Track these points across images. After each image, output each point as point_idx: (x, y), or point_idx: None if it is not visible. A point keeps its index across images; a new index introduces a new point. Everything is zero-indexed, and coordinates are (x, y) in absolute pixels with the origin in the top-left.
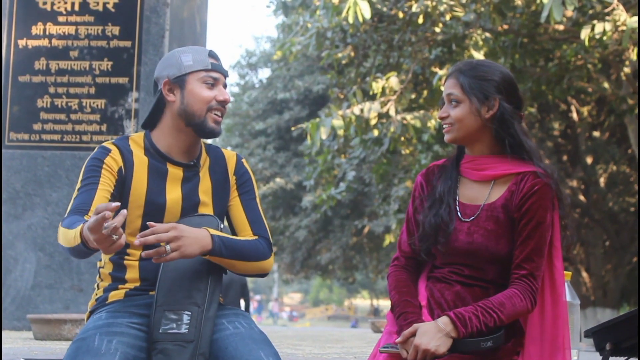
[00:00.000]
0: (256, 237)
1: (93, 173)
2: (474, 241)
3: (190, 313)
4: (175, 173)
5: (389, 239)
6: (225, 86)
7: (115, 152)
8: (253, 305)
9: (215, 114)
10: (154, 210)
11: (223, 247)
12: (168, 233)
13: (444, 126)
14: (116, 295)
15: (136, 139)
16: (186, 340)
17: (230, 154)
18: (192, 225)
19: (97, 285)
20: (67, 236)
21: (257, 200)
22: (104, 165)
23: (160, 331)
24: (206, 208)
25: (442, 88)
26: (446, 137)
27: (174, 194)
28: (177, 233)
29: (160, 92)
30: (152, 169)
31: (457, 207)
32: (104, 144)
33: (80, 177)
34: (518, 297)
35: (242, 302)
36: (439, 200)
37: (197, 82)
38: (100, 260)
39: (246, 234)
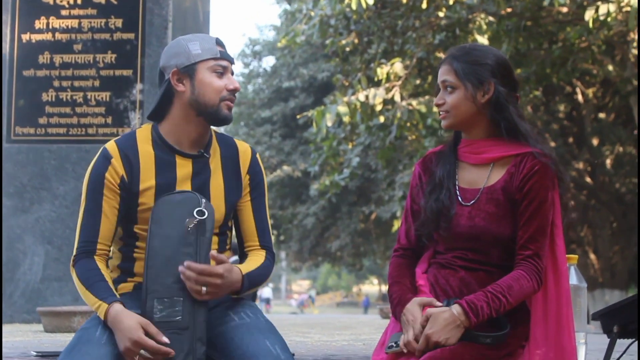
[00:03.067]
0: (263, 253)
1: (95, 194)
2: (476, 224)
3: (181, 299)
4: (184, 165)
5: (397, 224)
6: (232, 73)
7: (116, 160)
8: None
9: (227, 103)
10: None
11: (249, 285)
12: (212, 279)
13: (440, 113)
14: (125, 287)
15: (143, 132)
16: (181, 327)
17: (244, 148)
18: (172, 204)
19: None
20: (87, 297)
21: (266, 201)
22: (106, 182)
23: (155, 320)
24: (216, 205)
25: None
26: (443, 124)
27: (183, 187)
28: (220, 281)
29: (167, 82)
30: (159, 164)
31: (457, 192)
32: (106, 147)
33: (84, 193)
34: (525, 278)
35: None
36: (439, 185)
37: (207, 71)
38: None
39: (252, 245)
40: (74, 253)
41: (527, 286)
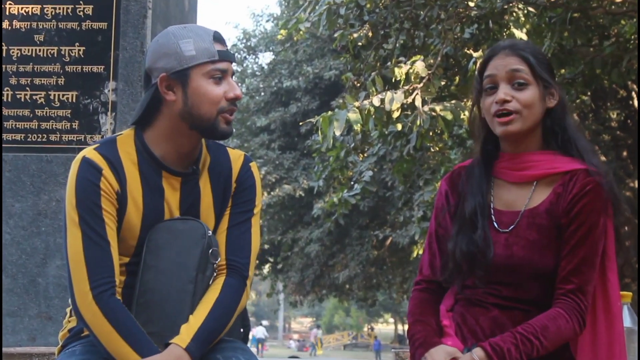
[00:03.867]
0: (221, 280)
1: (94, 209)
2: (514, 254)
3: None
4: (172, 184)
5: (416, 251)
6: (233, 75)
7: (107, 173)
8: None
9: (226, 116)
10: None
11: (199, 349)
12: None
13: (502, 113)
14: None
15: (125, 141)
16: None
17: (237, 156)
18: (174, 233)
19: (70, 312)
20: (117, 345)
21: (254, 218)
22: (102, 193)
23: None
24: (207, 222)
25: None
26: (507, 129)
27: (172, 212)
28: None
29: (155, 87)
30: (146, 183)
31: (493, 216)
32: (87, 156)
33: (75, 209)
34: (563, 318)
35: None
36: (470, 222)
37: (202, 78)
38: None
39: (219, 266)
40: (89, 287)
41: (565, 327)
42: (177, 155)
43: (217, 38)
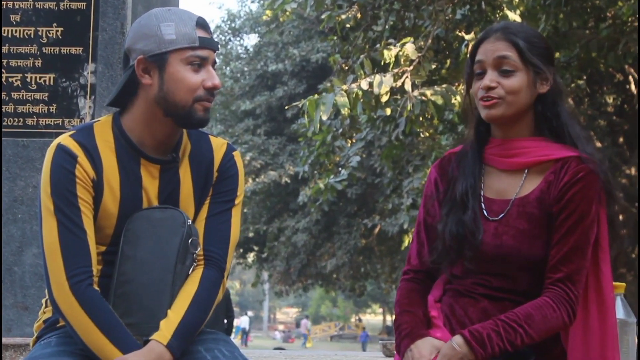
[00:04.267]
0: (199, 272)
1: (69, 197)
2: (503, 244)
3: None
4: (151, 172)
5: (407, 240)
6: (214, 64)
7: (82, 160)
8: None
9: (203, 103)
10: (127, 220)
11: (180, 345)
12: None
13: (486, 98)
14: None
15: (102, 127)
16: None
17: (219, 144)
18: (152, 222)
19: (46, 303)
20: (94, 338)
21: (234, 209)
22: (77, 180)
23: None
24: (186, 211)
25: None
26: (489, 112)
27: (150, 201)
28: None
29: (132, 69)
30: (123, 171)
31: (483, 204)
32: (62, 143)
33: (49, 197)
34: (550, 307)
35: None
36: (461, 203)
37: (180, 63)
38: None
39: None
40: (65, 276)
41: (552, 317)
42: (154, 142)
43: (201, 24)
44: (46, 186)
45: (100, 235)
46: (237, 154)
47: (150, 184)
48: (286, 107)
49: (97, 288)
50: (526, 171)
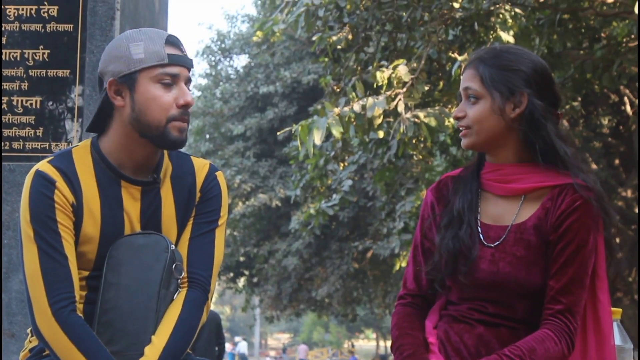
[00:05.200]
0: (183, 294)
1: (48, 223)
2: (500, 271)
3: None
4: (132, 194)
5: (399, 264)
6: (188, 82)
7: (61, 185)
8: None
9: (178, 124)
10: (110, 244)
11: None
12: None
13: (461, 129)
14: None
15: (81, 152)
16: None
17: (201, 164)
18: (135, 248)
19: (32, 332)
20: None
21: (218, 230)
22: (56, 206)
23: None
24: (169, 233)
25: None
26: (463, 142)
27: (132, 223)
28: None
29: (105, 92)
30: (104, 194)
31: (479, 229)
32: (40, 169)
33: (29, 224)
34: (552, 340)
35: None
36: (458, 218)
37: (149, 82)
38: None
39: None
40: (47, 302)
41: (554, 350)
42: (133, 163)
43: (171, 42)
44: (25, 213)
45: (83, 260)
46: (220, 174)
47: (131, 206)
48: (278, 133)
49: (80, 314)
50: (523, 197)
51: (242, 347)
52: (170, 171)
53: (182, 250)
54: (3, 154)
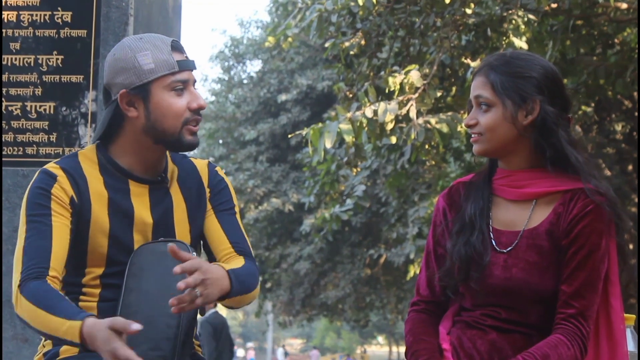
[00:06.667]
0: (242, 258)
1: (41, 210)
2: (513, 276)
3: None
4: (140, 193)
5: (412, 270)
6: (195, 83)
7: (62, 179)
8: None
9: (191, 127)
10: (121, 236)
11: (238, 284)
12: (194, 276)
13: (472, 135)
14: (69, 350)
15: (87, 154)
16: None
17: (201, 164)
18: (157, 255)
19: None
20: (46, 322)
21: (238, 215)
22: (53, 197)
23: None
24: (182, 233)
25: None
26: (474, 148)
27: (142, 216)
28: (202, 275)
29: (115, 103)
30: (111, 190)
31: (491, 235)
32: (45, 168)
33: (24, 214)
34: (565, 345)
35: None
36: (470, 225)
37: (163, 91)
38: None
39: (226, 254)
40: (19, 278)
41: (567, 355)
42: (143, 166)
43: (176, 47)
44: (24, 205)
45: (96, 255)
46: (219, 169)
47: (140, 201)
48: (289, 136)
49: (54, 283)
50: (534, 202)
51: (250, 353)
52: (176, 173)
53: (214, 232)
54: (16, 159)
